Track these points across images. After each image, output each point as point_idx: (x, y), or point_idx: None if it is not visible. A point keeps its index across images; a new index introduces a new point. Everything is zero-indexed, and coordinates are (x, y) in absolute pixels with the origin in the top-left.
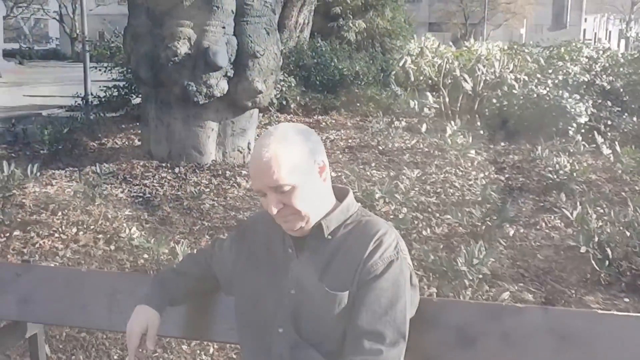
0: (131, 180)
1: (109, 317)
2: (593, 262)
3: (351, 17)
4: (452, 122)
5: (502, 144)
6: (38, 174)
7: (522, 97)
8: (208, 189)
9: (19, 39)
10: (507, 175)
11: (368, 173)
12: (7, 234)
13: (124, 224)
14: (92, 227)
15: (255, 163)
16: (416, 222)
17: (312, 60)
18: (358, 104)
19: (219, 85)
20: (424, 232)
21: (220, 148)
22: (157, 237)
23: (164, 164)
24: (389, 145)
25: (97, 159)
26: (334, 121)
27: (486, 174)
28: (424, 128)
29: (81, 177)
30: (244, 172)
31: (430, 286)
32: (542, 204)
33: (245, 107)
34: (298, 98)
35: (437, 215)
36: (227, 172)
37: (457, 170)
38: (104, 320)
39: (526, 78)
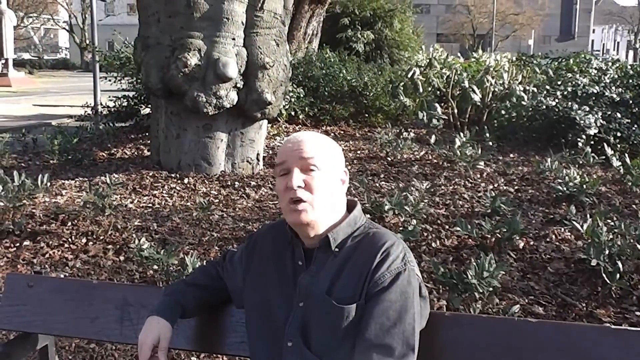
0: (140, 190)
1: (119, 329)
2: (604, 275)
3: (360, 28)
4: (461, 134)
5: (511, 155)
6: (48, 184)
7: (531, 109)
8: (217, 200)
9: (29, 48)
10: (516, 187)
11: (377, 184)
12: (18, 244)
13: (134, 235)
14: (101, 237)
15: (293, 139)
16: (425, 234)
17: (321, 71)
18: (366, 115)
19: (229, 96)
20: (433, 244)
21: (229, 159)
22: (167, 248)
23: (173, 175)
24: (398, 156)
25: (106, 169)
26: (342, 132)
27: (495, 185)
28: (433, 139)
29: (91, 187)
30: (252, 182)
31: (440, 299)
32: (552, 216)
33: (255, 118)
34: (307, 109)
35: (447, 227)
36: (236, 182)
37: (466, 181)
38: (115, 332)
39: (535, 89)
